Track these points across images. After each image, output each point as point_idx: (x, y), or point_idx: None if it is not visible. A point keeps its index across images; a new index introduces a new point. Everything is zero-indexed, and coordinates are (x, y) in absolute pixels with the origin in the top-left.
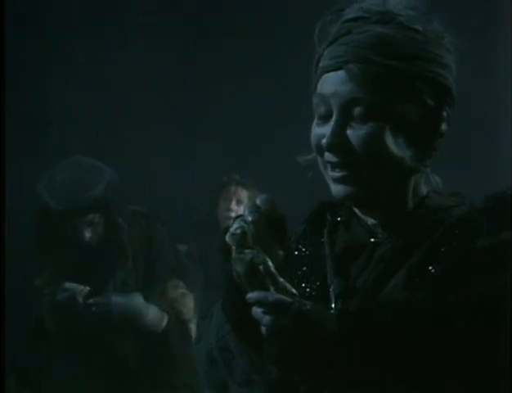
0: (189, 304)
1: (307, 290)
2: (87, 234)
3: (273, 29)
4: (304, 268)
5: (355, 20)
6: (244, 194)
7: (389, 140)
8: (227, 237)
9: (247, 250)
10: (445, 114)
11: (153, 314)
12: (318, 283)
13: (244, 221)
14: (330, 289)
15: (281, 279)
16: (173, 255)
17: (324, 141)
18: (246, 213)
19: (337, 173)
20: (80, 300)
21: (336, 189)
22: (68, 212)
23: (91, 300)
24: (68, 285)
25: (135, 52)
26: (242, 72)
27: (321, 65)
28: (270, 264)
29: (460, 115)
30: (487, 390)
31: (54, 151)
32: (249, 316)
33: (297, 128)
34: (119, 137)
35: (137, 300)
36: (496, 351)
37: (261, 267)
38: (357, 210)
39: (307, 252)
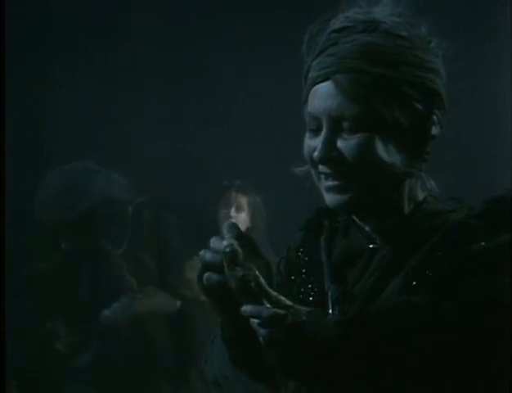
0: None
1: (306, 296)
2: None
3: (273, 30)
4: (303, 275)
5: (341, 30)
6: (244, 200)
7: (380, 148)
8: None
9: (238, 268)
10: (435, 117)
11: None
12: (316, 289)
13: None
14: (328, 295)
15: (274, 293)
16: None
17: (315, 154)
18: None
19: (330, 183)
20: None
21: (330, 198)
22: (59, 224)
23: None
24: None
25: (135, 52)
26: (244, 75)
27: (310, 76)
28: (261, 280)
29: (461, 116)
30: (487, 390)
31: (54, 153)
32: (245, 341)
33: (298, 134)
34: (119, 138)
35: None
36: (495, 357)
37: (252, 283)
38: (355, 217)
39: (305, 258)
